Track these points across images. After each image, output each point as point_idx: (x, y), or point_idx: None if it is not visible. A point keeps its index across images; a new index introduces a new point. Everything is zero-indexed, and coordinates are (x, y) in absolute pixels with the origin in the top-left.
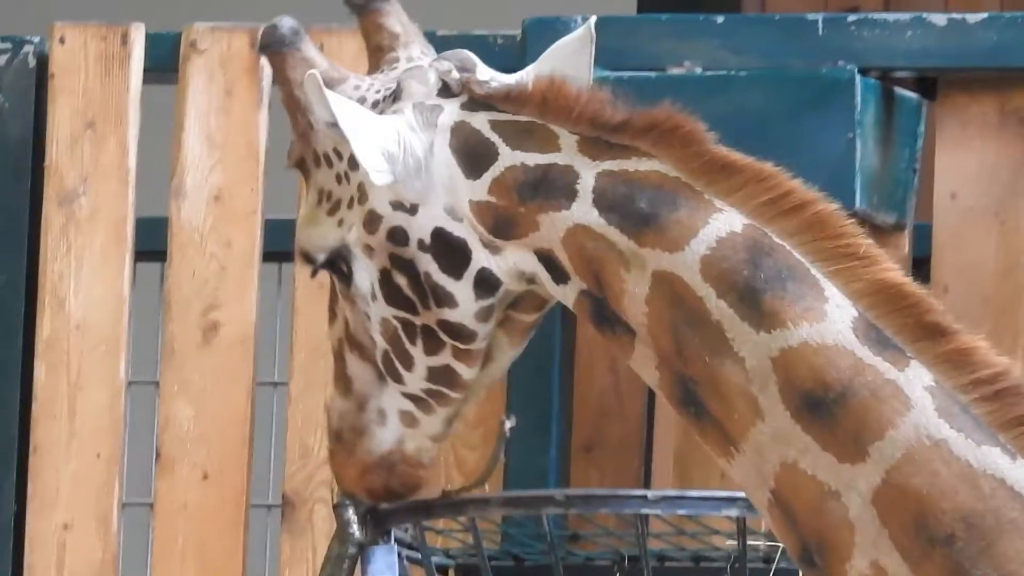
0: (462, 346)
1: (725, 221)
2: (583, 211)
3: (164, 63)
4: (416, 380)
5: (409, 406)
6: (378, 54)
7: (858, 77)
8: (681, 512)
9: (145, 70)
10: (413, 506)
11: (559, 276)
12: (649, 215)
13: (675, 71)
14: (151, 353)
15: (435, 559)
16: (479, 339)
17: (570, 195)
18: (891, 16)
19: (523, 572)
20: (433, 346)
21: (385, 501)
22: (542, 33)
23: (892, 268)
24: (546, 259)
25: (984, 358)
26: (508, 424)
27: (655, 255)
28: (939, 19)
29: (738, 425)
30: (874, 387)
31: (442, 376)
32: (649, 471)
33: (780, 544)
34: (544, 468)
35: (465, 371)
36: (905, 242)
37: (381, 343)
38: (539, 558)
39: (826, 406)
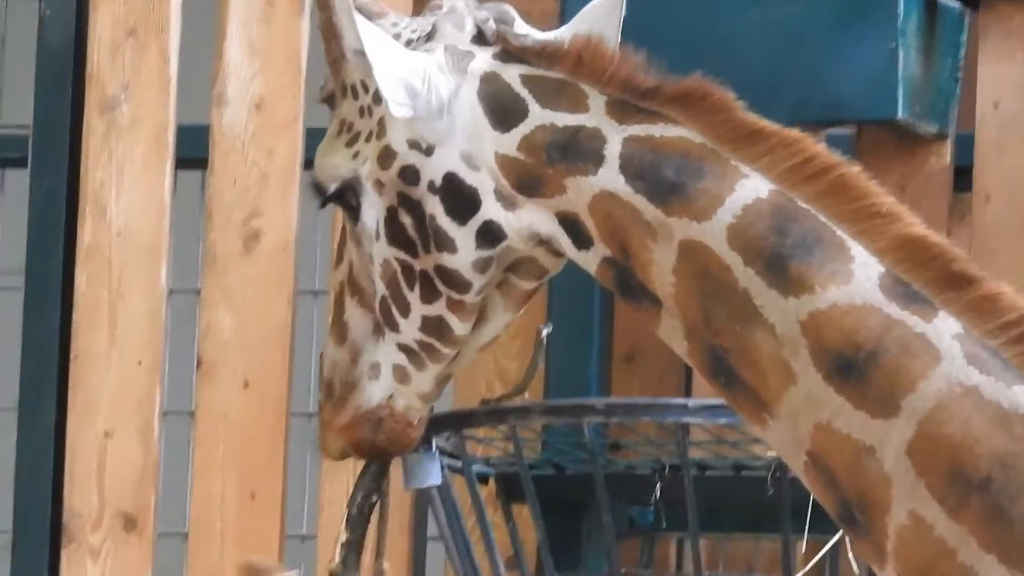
0: (456, 296)
1: (751, 188)
2: (609, 177)
3: None
4: (411, 329)
5: (402, 359)
6: (425, 2)
7: None
8: (722, 421)
9: None
10: (454, 415)
11: (582, 242)
12: (676, 184)
13: None
14: (192, 261)
15: (476, 468)
16: (473, 291)
17: (597, 160)
18: None
19: (563, 481)
20: (429, 294)
21: (370, 458)
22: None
23: (915, 223)
24: (569, 223)
25: (1011, 302)
26: (545, 331)
27: (682, 224)
28: None
29: (771, 391)
30: (904, 342)
31: (435, 328)
32: (690, 380)
33: None
34: (585, 377)
35: (457, 325)
36: (947, 151)
37: (380, 287)
38: (579, 467)
39: (857, 366)
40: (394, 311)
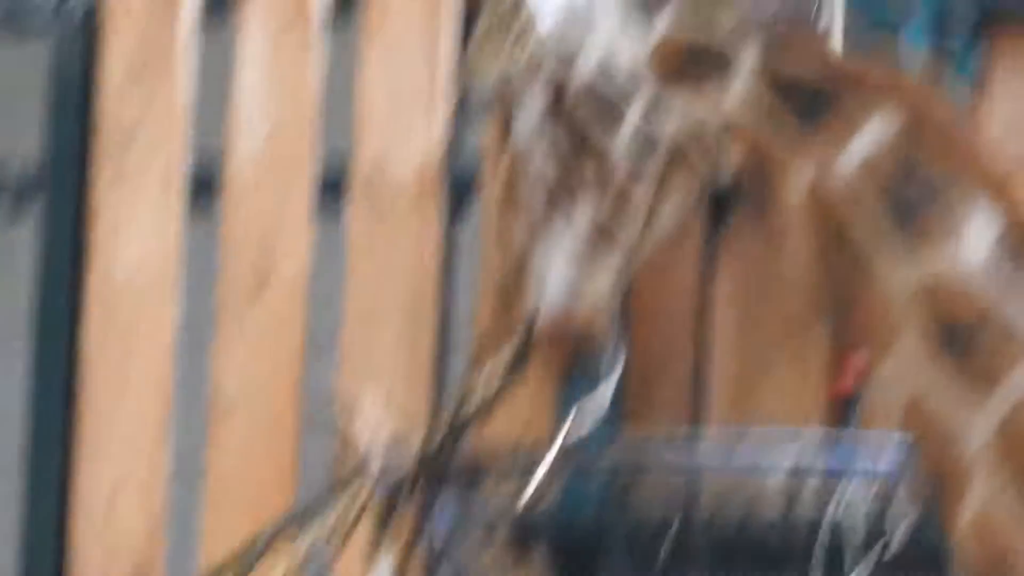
0: (619, 192)
1: (880, 125)
2: (747, 89)
3: (218, 4)
4: (578, 227)
5: (574, 251)
6: None
7: None
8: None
9: (199, 11)
10: (464, 468)
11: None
12: (813, 113)
13: None
14: (204, 305)
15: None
16: (636, 187)
17: (733, 70)
18: None
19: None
20: (592, 192)
21: (567, 358)
22: None
23: None
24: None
25: None
26: None
27: (819, 152)
28: None
29: (876, 352)
30: (1005, 321)
31: (602, 225)
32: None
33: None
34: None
35: (629, 212)
36: None
37: (544, 181)
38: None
39: (962, 340)
40: (559, 204)
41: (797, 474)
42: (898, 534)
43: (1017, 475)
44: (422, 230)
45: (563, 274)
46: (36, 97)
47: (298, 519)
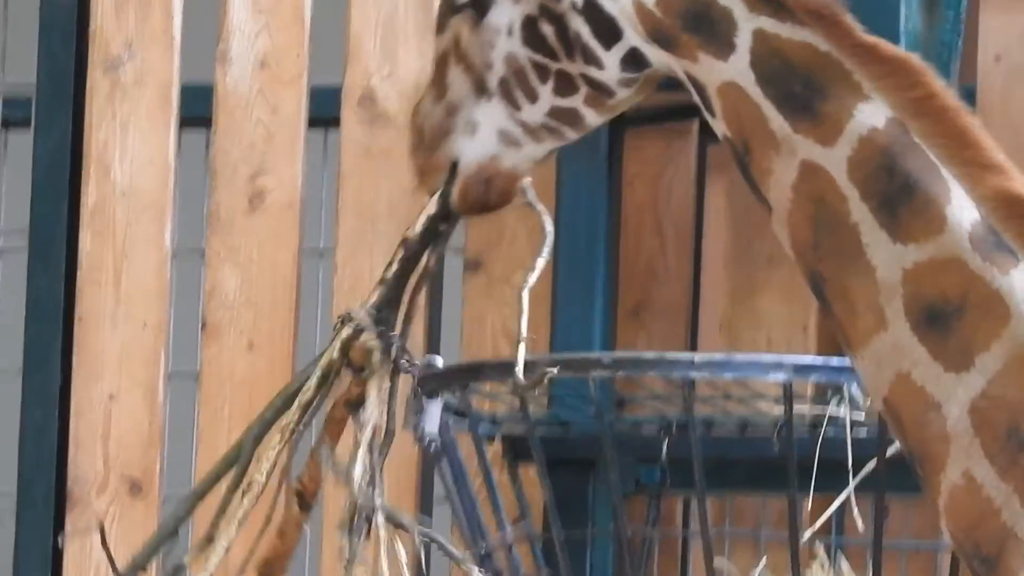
0: (597, 96)
1: (869, 114)
2: (739, 70)
3: None
4: (536, 113)
5: (516, 130)
6: None
7: None
8: (728, 376)
9: None
10: (460, 368)
11: (709, 110)
12: (804, 100)
13: None
14: (198, 220)
15: (481, 428)
16: (617, 97)
17: (728, 46)
18: None
19: (569, 440)
20: (566, 89)
21: (474, 210)
22: None
23: (1018, 178)
24: (698, 88)
25: None
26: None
27: (807, 145)
28: None
29: (859, 334)
30: (984, 297)
31: (566, 116)
32: (696, 335)
33: (827, 410)
34: (590, 331)
35: (592, 117)
36: None
37: (500, 70)
38: (586, 424)
39: (943, 319)
40: (518, 95)
41: (789, 390)
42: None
43: (993, 445)
44: None
45: (489, 143)
46: (32, 17)
47: (278, 412)
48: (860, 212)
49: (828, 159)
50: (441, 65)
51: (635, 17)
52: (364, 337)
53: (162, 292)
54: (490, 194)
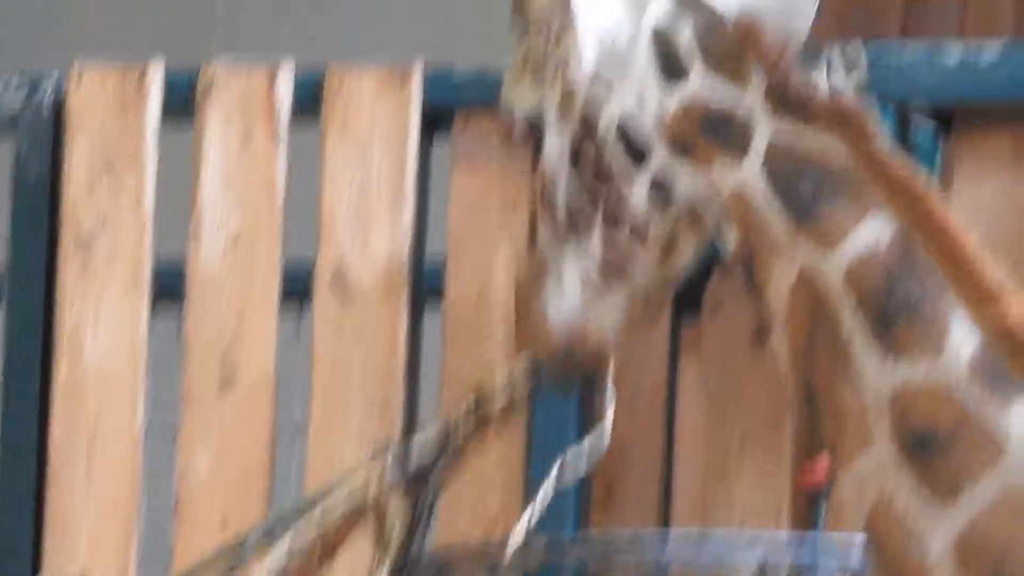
0: (637, 224)
1: (876, 224)
2: (752, 172)
3: (181, 104)
4: (595, 248)
5: (587, 274)
6: None
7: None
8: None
9: (163, 110)
10: (433, 560)
11: (724, 218)
12: (810, 202)
13: None
14: (170, 400)
15: None
16: (653, 224)
17: (743, 148)
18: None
19: None
20: (613, 217)
21: (558, 372)
22: None
23: (1019, 306)
24: (715, 198)
25: None
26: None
27: (807, 247)
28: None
29: (846, 452)
30: (977, 431)
31: (620, 250)
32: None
33: None
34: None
35: (642, 251)
36: None
37: (566, 205)
38: None
39: (932, 447)
40: (579, 229)
41: (764, 571)
42: None
43: None
44: (388, 327)
45: (575, 296)
46: (3, 191)
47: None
48: (853, 324)
49: (828, 264)
50: (534, 223)
51: (662, 126)
52: (392, 505)
53: (134, 473)
54: (572, 358)
